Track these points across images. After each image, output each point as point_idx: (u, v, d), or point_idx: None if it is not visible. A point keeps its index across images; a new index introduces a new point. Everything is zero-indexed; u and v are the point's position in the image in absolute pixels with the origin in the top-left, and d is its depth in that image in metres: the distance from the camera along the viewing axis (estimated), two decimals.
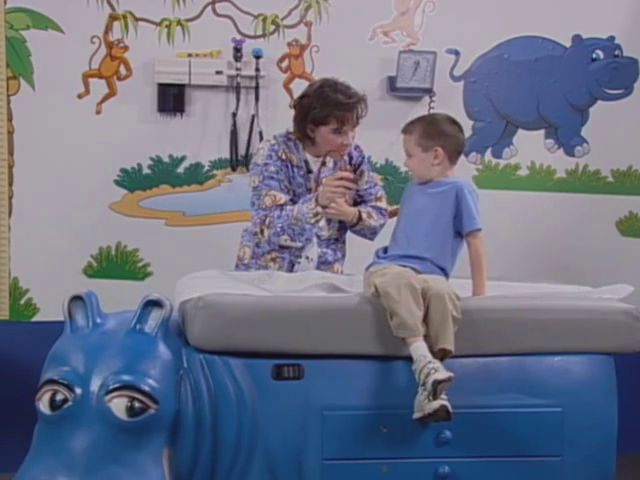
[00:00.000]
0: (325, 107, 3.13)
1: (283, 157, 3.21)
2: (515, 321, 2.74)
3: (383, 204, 3.40)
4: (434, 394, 2.50)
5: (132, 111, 3.96)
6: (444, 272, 2.85)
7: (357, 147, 3.37)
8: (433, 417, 2.54)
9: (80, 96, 3.92)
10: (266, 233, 3.18)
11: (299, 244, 3.19)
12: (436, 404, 2.51)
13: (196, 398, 2.57)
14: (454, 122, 2.95)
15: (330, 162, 3.30)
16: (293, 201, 3.20)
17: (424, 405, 2.54)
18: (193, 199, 4.04)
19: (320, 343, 2.65)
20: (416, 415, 2.57)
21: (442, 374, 2.49)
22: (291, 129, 3.28)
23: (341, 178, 3.11)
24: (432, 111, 3.93)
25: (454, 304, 2.66)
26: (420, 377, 2.53)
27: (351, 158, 3.34)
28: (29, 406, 2.54)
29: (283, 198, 3.16)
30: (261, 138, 3.84)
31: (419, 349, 2.57)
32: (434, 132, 2.89)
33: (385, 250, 2.92)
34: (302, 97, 3.23)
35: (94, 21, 3.88)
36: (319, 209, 3.12)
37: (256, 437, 2.60)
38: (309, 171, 3.26)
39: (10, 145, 3.89)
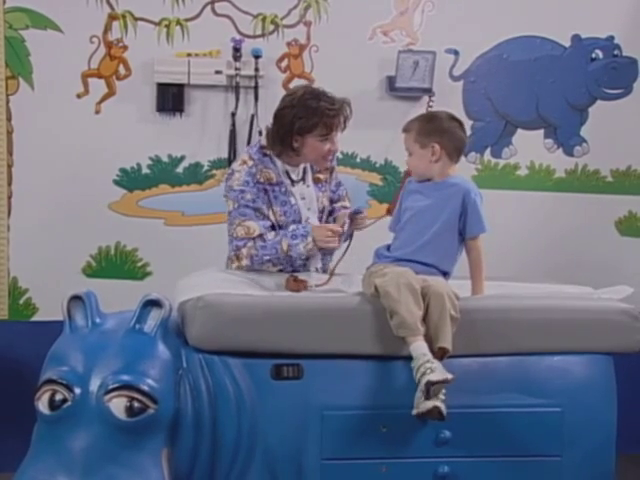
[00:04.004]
0: (312, 116, 3.05)
1: (261, 180, 3.10)
2: (514, 321, 2.74)
3: (347, 203, 3.39)
4: (427, 394, 2.51)
5: (131, 111, 3.95)
6: (446, 275, 2.85)
7: None
8: (427, 416, 2.55)
9: (79, 96, 3.92)
10: (244, 262, 3.09)
11: (279, 267, 3.12)
12: (429, 404, 2.52)
13: (195, 398, 2.58)
14: (454, 119, 2.93)
15: (307, 168, 3.23)
16: (273, 226, 3.10)
17: (420, 403, 2.55)
18: (192, 199, 4.03)
19: (319, 343, 2.66)
20: (414, 412, 2.58)
21: (437, 375, 2.49)
22: (262, 141, 3.19)
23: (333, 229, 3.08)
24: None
25: (453, 303, 2.66)
26: (417, 375, 2.54)
27: None
28: (28, 406, 2.54)
29: (257, 230, 3.06)
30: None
31: (419, 348, 2.57)
32: (431, 129, 2.87)
33: (387, 249, 2.92)
34: (283, 108, 3.12)
35: (93, 21, 3.88)
36: (312, 245, 3.06)
37: (255, 437, 2.60)
38: (292, 181, 3.18)
39: (9, 145, 3.89)
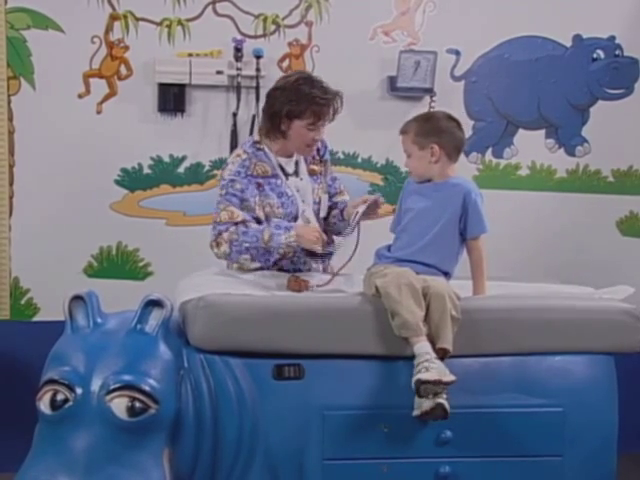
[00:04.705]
0: (302, 101, 3.06)
1: (255, 173, 3.11)
2: (516, 321, 2.74)
3: (346, 197, 3.37)
4: (417, 393, 2.51)
5: (132, 111, 3.95)
6: (447, 276, 2.85)
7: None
8: (430, 415, 2.54)
9: (81, 96, 3.92)
10: (223, 248, 3.07)
11: (257, 264, 3.09)
12: (433, 402, 2.52)
13: (197, 398, 2.58)
14: (451, 119, 2.92)
15: (301, 160, 3.25)
16: (259, 221, 3.08)
17: (422, 402, 2.55)
18: (194, 199, 4.03)
19: (320, 343, 2.66)
20: (415, 412, 2.58)
21: (430, 375, 2.49)
22: (255, 137, 3.21)
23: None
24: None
25: (454, 304, 2.66)
26: (414, 372, 2.54)
27: (317, 150, 3.28)
28: (30, 406, 2.54)
29: (240, 216, 3.06)
30: None
31: (422, 348, 2.57)
32: (430, 129, 2.86)
33: (387, 249, 2.92)
34: (276, 89, 3.16)
35: (95, 21, 3.88)
36: (295, 244, 3.03)
37: (257, 437, 2.60)
38: (286, 174, 3.18)
39: (11, 145, 3.89)
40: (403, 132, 2.93)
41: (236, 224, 3.06)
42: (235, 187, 3.09)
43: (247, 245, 3.04)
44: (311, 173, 3.26)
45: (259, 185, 3.12)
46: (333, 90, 3.12)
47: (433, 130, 2.86)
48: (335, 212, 3.31)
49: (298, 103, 3.07)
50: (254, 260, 3.08)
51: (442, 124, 2.88)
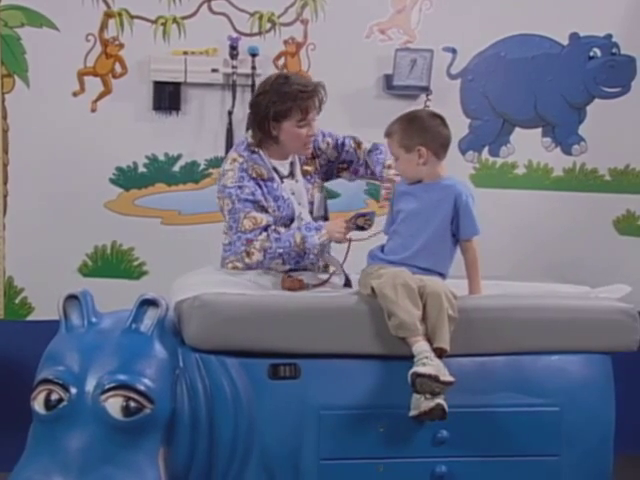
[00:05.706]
0: (286, 100, 3.03)
1: (254, 175, 3.07)
2: (512, 320, 2.74)
3: (351, 134, 3.32)
4: (413, 386, 2.50)
5: (127, 109, 3.94)
6: (442, 276, 2.83)
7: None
8: (429, 415, 2.54)
9: (75, 94, 3.91)
10: (256, 257, 3.01)
11: (287, 267, 3.06)
12: (432, 402, 2.51)
13: (192, 398, 2.57)
14: (435, 116, 2.87)
15: (296, 161, 3.21)
16: (275, 221, 3.07)
17: (420, 403, 2.54)
18: (189, 198, 4.03)
19: (316, 342, 2.65)
20: (412, 413, 2.57)
21: (426, 369, 2.48)
22: (249, 139, 3.16)
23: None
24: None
25: (450, 303, 2.65)
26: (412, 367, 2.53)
27: None
28: (24, 406, 2.53)
29: (264, 219, 3.02)
30: None
31: (421, 347, 2.56)
32: (414, 131, 2.82)
33: (381, 250, 2.90)
34: (257, 95, 3.13)
35: (89, 19, 3.87)
36: (327, 242, 3.02)
37: (252, 436, 2.60)
38: (281, 177, 3.15)
39: (5, 143, 3.88)
40: (388, 135, 2.89)
41: (265, 229, 3.02)
42: (245, 192, 3.04)
43: (280, 251, 3.00)
44: (304, 174, 3.24)
45: (260, 187, 3.10)
46: (313, 82, 3.10)
47: (418, 131, 2.81)
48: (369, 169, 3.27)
49: (283, 102, 3.03)
50: (285, 263, 3.04)
51: (426, 124, 2.83)
